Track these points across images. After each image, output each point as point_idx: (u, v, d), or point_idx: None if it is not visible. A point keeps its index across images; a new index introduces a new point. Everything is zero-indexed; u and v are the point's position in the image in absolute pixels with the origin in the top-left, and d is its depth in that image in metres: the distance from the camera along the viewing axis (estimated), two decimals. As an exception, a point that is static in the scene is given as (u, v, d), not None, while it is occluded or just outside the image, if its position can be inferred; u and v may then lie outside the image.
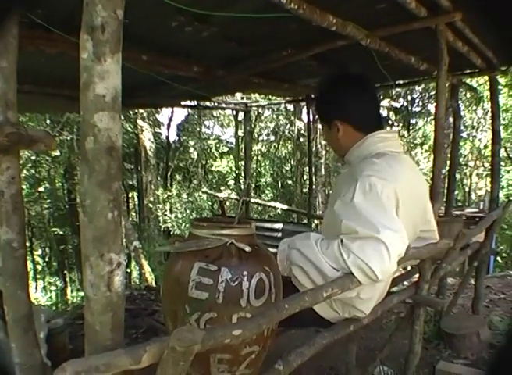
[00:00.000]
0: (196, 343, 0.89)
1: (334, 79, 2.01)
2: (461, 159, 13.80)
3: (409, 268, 2.87)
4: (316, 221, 10.11)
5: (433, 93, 11.26)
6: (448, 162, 4.22)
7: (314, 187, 10.85)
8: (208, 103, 5.61)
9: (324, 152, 11.94)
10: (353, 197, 1.59)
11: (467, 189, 15.17)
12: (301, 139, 13.50)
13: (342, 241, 1.55)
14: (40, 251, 16.07)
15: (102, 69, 0.89)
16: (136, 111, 12.05)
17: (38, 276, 15.44)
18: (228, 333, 1.03)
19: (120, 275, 0.96)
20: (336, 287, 1.34)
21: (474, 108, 13.03)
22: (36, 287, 14.53)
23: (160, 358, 0.92)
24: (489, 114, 3.93)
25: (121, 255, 0.96)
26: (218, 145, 18.06)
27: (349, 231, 1.54)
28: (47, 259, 15.83)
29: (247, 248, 1.53)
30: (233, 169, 16.49)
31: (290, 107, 13.76)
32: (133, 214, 16.22)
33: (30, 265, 15.03)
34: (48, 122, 11.75)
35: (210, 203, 14.14)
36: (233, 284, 1.47)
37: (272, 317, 1.15)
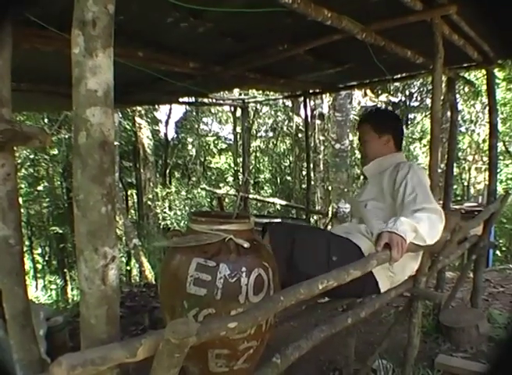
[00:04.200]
0: (191, 335, 0.89)
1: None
2: (460, 154, 13.79)
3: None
4: (315, 217, 10.12)
5: (431, 87, 11.24)
6: (446, 156, 4.23)
7: (312, 182, 10.85)
8: (205, 100, 5.60)
9: (322, 148, 11.90)
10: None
11: (465, 183, 15.15)
12: (300, 135, 13.43)
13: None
14: (40, 250, 16.04)
15: (94, 64, 0.89)
16: (134, 108, 12.04)
17: (38, 275, 15.43)
18: (223, 326, 1.03)
19: (115, 269, 0.97)
20: (332, 279, 1.34)
21: (473, 102, 13.01)
22: (36, 286, 14.53)
23: (155, 351, 0.93)
24: (487, 108, 3.92)
25: (115, 249, 0.96)
26: (216, 142, 18.03)
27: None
28: (47, 258, 15.80)
29: (246, 245, 1.53)
30: (232, 165, 16.47)
31: (288, 103, 13.73)
32: (133, 212, 16.21)
33: (30, 264, 15.02)
34: (45, 120, 11.74)
35: (209, 200, 14.12)
36: (232, 280, 1.47)
37: (267, 310, 1.16)
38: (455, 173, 11.23)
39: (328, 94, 9.42)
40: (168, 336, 0.88)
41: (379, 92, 10.42)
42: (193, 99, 5.93)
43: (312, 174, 11.15)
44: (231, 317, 1.11)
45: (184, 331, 0.89)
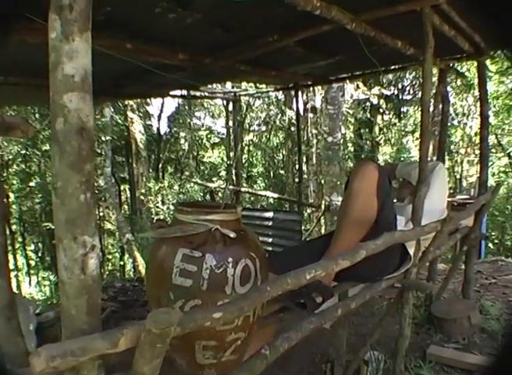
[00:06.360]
0: (172, 325, 0.87)
1: None
2: (452, 147, 13.82)
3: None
4: (308, 210, 10.10)
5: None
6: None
7: (306, 175, 10.85)
8: (197, 93, 5.56)
9: (315, 141, 11.89)
10: None
11: (458, 176, 15.19)
12: (292, 128, 13.39)
13: None
14: (32, 247, 15.99)
15: (71, 49, 0.87)
16: (126, 103, 11.98)
17: (31, 271, 15.38)
18: (208, 316, 1.01)
19: (95, 258, 0.94)
20: (320, 268, 1.33)
21: (465, 95, 13.01)
22: (29, 283, 14.49)
23: (138, 342, 0.91)
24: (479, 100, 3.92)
25: (95, 237, 0.94)
26: (209, 136, 17.98)
27: None
28: (40, 254, 15.75)
29: (232, 234, 1.51)
30: (225, 159, 16.44)
31: (281, 97, 13.70)
32: (126, 207, 16.17)
33: (23, 260, 14.97)
34: (37, 116, 11.66)
35: (202, 194, 14.10)
36: (218, 271, 1.46)
37: (253, 300, 1.14)
38: (447, 166, 11.25)
39: (320, 88, 9.42)
40: (150, 326, 0.86)
41: (372, 85, 10.41)
42: (184, 92, 5.89)
43: (305, 167, 11.16)
44: (216, 307, 1.09)
45: (166, 321, 0.87)
